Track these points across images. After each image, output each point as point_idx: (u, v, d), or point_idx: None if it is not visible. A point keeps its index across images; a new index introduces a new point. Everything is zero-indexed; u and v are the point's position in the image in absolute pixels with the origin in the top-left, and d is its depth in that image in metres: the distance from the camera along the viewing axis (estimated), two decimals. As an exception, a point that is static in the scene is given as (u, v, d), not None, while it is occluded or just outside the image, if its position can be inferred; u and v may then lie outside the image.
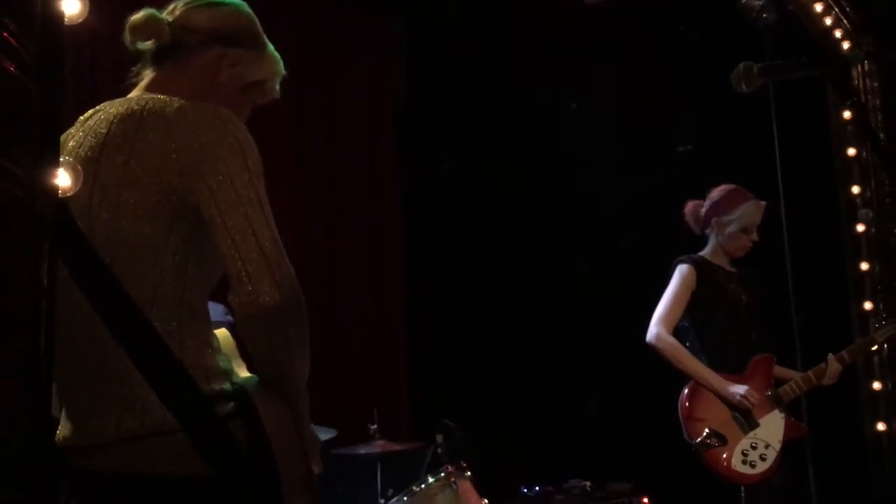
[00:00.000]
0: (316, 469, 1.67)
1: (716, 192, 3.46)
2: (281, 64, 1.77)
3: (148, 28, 1.62)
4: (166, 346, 1.37)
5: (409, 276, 5.11)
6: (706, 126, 4.94)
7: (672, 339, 3.28)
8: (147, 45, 1.64)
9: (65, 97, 1.00)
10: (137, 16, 1.63)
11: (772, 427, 3.23)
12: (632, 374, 3.95)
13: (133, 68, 1.70)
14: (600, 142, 5.07)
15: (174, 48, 1.64)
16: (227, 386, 1.49)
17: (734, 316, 3.34)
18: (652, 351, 3.30)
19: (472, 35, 4.93)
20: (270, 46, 1.76)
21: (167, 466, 1.41)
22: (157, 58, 1.65)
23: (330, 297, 4.74)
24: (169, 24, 1.64)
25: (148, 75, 1.67)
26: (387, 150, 5.16)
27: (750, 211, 3.37)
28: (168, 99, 1.54)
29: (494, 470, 3.97)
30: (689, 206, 3.54)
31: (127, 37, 1.64)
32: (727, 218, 3.39)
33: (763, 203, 3.41)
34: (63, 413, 1.51)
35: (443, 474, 3.43)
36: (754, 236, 3.40)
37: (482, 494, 3.48)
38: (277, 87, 1.78)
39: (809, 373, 3.33)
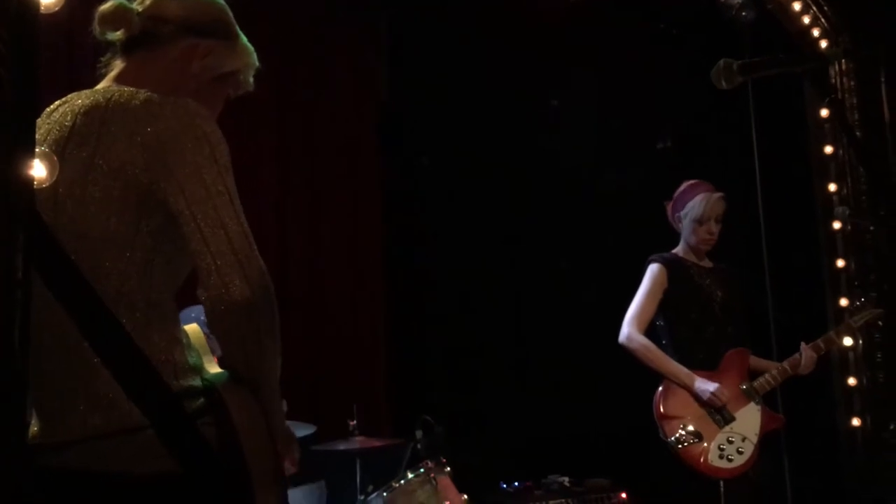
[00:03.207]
0: (293, 469, 1.65)
1: (677, 190, 3.50)
2: (254, 56, 1.74)
3: (117, 18, 1.59)
4: (132, 342, 1.35)
5: (388, 270, 5.10)
6: (685, 123, 4.97)
7: (643, 339, 3.30)
8: (117, 35, 1.61)
9: (39, 87, 0.98)
10: (106, 5, 1.60)
11: (748, 420, 3.25)
12: (611, 370, 3.96)
13: (102, 59, 1.67)
14: (581, 138, 5.08)
15: (145, 38, 1.61)
16: (196, 382, 1.48)
17: (708, 312, 3.36)
18: (624, 351, 3.33)
19: (453, 31, 4.93)
20: (244, 38, 1.73)
21: (135, 464, 1.39)
22: (127, 48, 1.63)
23: (310, 292, 4.72)
24: (139, 13, 1.61)
25: (118, 66, 1.64)
26: (368, 145, 5.14)
27: (697, 202, 3.38)
28: (134, 91, 1.51)
29: (474, 465, 3.98)
30: (668, 206, 3.57)
31: (96, 27, 1.61)
32: (682, 213, 3.44)
33: (716, 195, 3.40)
34: (34, 410, 1.49)
35: (422, 470, 3.42)
36: (711, 227, 3.39)
37: (461, 490, 3.49)
38: (251, 79, 1.75)
39: (784, 364, 3.36)
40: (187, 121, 1.47)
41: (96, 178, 1.45)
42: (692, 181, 3.48)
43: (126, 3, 1.61)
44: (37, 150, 1.01)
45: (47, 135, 1.53)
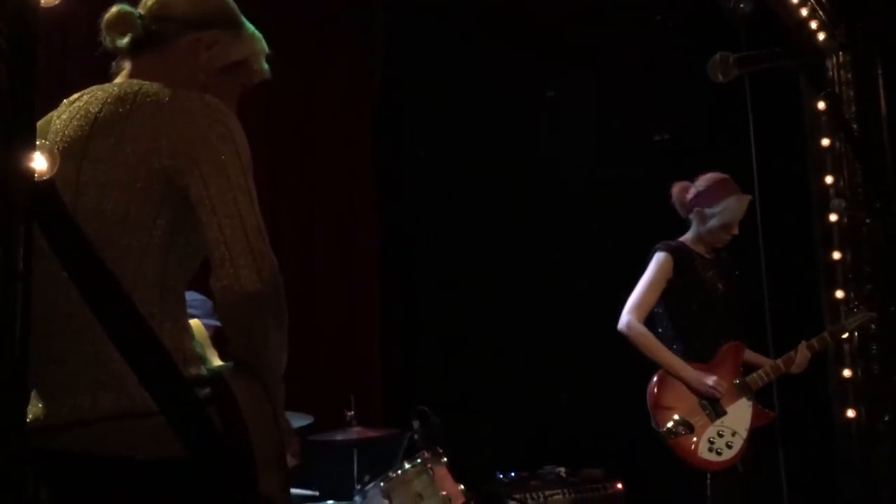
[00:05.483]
0: (294, 461, 1.67)
1: (702, 181, 3.42)
2: (262, 42, 1.76)
3: (121, 23, 1.63)
4: (148, 327, 1.38)
5: (384, 262, 5.11)
6: (682, 115, 4.97)
7: (642, 328, 3.30)
8: (125, 41, 1.64)
9: (37, 81, 0.99)
10: (110, 12, 1.64)
11: (739, 415, 3.26)
12: (606, 360, 3.98)
13: (113, 63, 1.70)
14: (577, 130, 5.08)
15: (150, 39, 1.65)
16: (202, 371, 1.50)
17: (709, 304, 3.36)
18: (622, 338, 3.32)
19: (450, 21, 4.92)
20: (249, 25, 1.75)
21: (141, 449, 1.41)
22: (134, 50, 1.66)
23: (305, 283, 4.73)
24: (142, 16, 1.65)
25: (126, 66, 1.67)
26: (363, 134, 5.14)
27: (732, 206, 3.34)
28: (162, 86, 1.55)
29: (470, 456, 3.99)
30: (677, 188, 3.50)
31: (104, 35, 1.65)
32: (710, 211, 3.36)
33: (747, 197, 3.37)
34: (34, 392, 1.49)
35: (419, 460, 3.44)
36: (735, 231, 3.38)
37: (458, 480, 3.50)
38: (265, 66, 1.77)
39: (778, 361, 3.36)
40: (214, 117, 1.51)
41: (120, 165, 1.48)
42: (719, 177, 3.40)
43: (128, 7, 1.65)
44: (38, 142, 1.02)
45: (70, 120, 1.56)
